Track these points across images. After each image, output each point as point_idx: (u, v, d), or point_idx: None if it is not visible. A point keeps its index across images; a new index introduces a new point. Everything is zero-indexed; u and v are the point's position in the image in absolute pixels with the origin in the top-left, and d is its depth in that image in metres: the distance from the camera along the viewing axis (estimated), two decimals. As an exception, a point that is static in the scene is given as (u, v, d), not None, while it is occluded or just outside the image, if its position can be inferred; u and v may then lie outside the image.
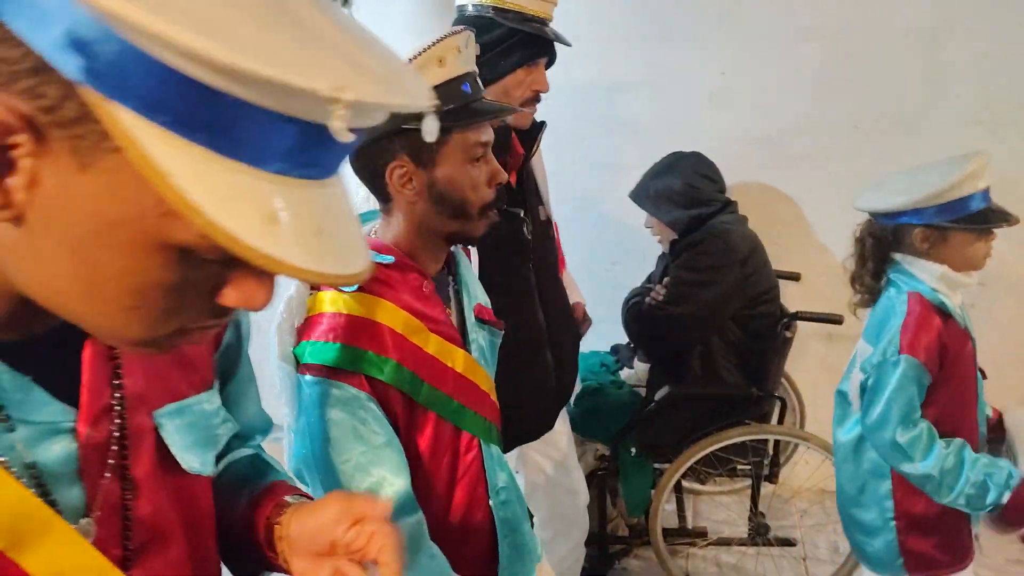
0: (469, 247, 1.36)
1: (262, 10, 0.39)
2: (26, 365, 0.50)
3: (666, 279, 2.28)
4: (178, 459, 0.62)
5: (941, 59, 2.39)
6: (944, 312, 1.54)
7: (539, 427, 1.84)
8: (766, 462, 2.33)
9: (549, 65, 1.70)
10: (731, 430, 2.18)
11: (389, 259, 1.05)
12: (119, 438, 0.56)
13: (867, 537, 1.67)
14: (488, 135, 1.06)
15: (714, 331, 2.23)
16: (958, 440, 1.53)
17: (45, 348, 0.52)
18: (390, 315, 1.02)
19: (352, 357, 0.99)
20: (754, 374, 2.23)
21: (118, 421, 0.56)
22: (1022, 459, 1.59)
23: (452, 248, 1.16)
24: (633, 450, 2.26)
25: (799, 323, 2.37)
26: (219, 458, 0.73)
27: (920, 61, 2.41)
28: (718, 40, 2.52)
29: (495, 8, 1.61)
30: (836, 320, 2.26)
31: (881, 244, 1.62)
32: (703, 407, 2.25)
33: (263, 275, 0.46)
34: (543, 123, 1.75)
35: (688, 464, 2.21)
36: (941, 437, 1.52)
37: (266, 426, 0.85)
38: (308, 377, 1.00)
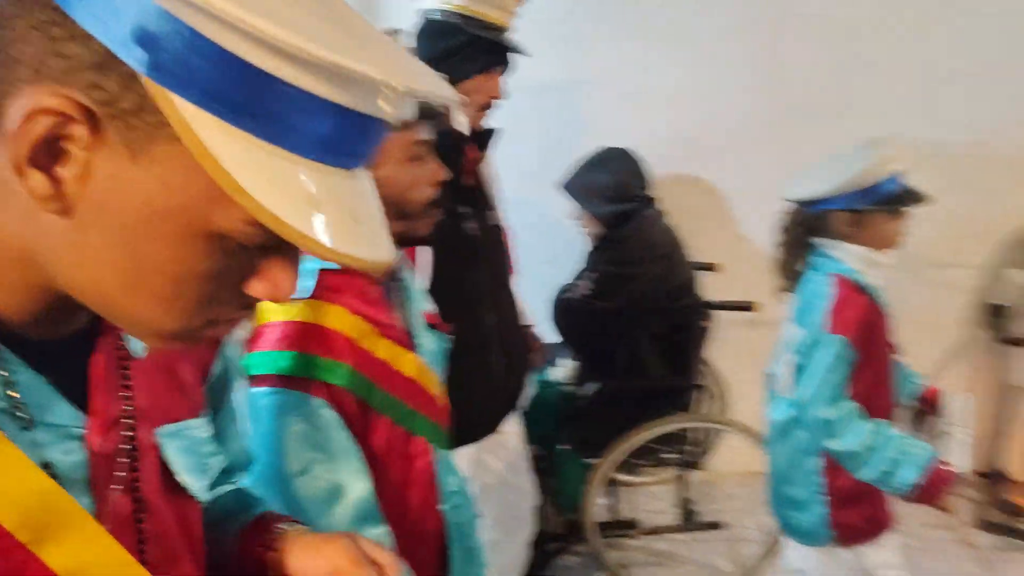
0: (415, 252, 1.36)
1: (314, 5, 0.42)
2: (44, 366, 0.50)
3: (590, 274, 2.31)
4: (180, 479, 0.61)
5: (851, 51, 2.47)
6: (866, 291, 1.60)
7: (486, 429, 1.84)
8: (694, 450, 2.38)
9: (505, 71, 1.73)
10: (658, 421, 2.21)
11: (336, 265, 1.03)
12: (129, 451, 0.55)
13: (797, 512, 1.73)
14: (427, 134, 1.07)
15: (638, 324, 2.26)
16: (882, 420, 1.59)
17: (62, 351, 0.52)
18: (341, 320, 1.01)
19: (305, 364, 0.97)
20: (677, 365, 2.27)
21: (128, 434, 0.55)
22: (952, 445, 1.65)
23: (398, 252, 1.15)
24: (561, 448, 2.27)
25: (721, 312, 2.44)
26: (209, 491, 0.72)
27: (830, 54, 2.49)
28: (636, 40, 2.54)
29: (460, 15, 1.64)
30: (746, 307, 2.32)
31: (807, 231, 1.67)
32: (630, 400, 2.28)
33: (289, 264, 0.49)
34: (494, 130, 1.77)
35: (619, 457, 2.23)
36: (863, 410, 1.57)
37: (247, 464, 0.84)
38: (260, 389, 0.96)
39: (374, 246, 0.47)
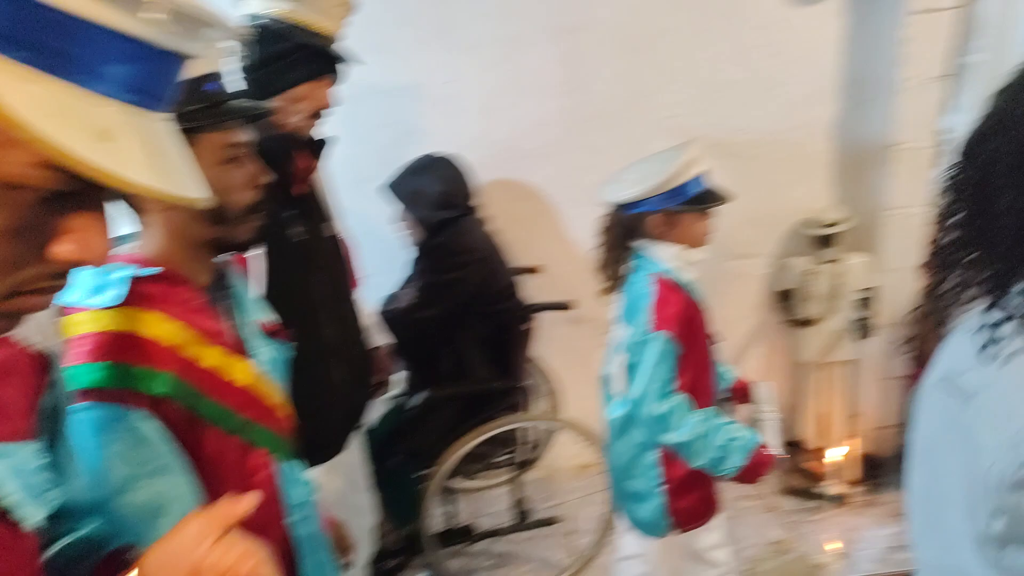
0: (245, 258, 1.31)
1: None
2: None
3: (415, 283, 2.29)
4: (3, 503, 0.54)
5: (647, 58, 2.63)
6: (683, 287, 1.69)
7: (333, 445, 1.80)
8: (525, 450, 2.43)
9: (334, 82, 1.69)
10: (487, 425, 2.23)
11: (156, 271, 0.98)
12: None
13: (638, 504, 1.80)
14: (242, 136, 1.03)
15: (462, 329, 2.27)
16: (709, 409, 1.69)
17: None
18: (158, 327, 0.95)
19: (123, 374, 0.91)
20: (503, 367, 2.30)
21: None
22: (766, 428, 1.79)
23: (223, 259, 1.10)
24: (391, 462, 2.22)
25: (551, 312, 2.52)
26: (52, 540, 0.69)
27: (630, 60, 2.63)
28: (439, 49, 2.56)
29: (284, 21, 1.59)
30: (564, 307, 2.41)
31: (625, 233, 1.73)
32: (459, 406, 2.28)
33: (95, 221, 0.45)
34: (327, 139, 1.71)
35: (452, 465, 2.22)
36: (691, 401, 1.66)
37: (97, 508, 0.77)
38: (76, 405, 0.87)
39: (179, 182, 0.45)
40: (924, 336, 2.84)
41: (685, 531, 1.80)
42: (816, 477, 2.86)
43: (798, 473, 2.91)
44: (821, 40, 2.64)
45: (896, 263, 2.71)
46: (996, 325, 0.74)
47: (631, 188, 1.66)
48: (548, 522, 2.52)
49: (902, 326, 2.80)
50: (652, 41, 2.61)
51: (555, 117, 2.66)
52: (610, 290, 1.79)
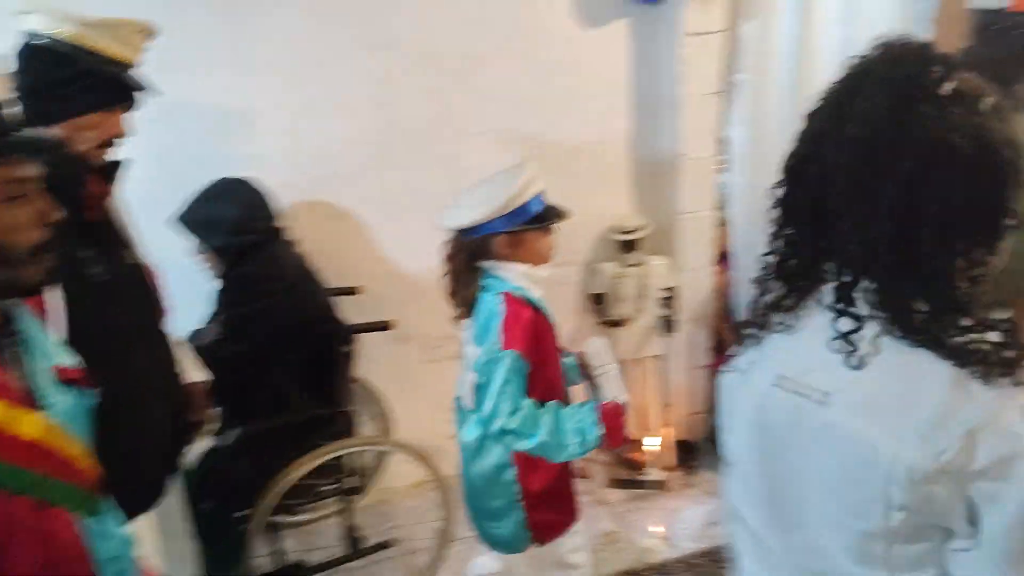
0: (42, 300, 1.20)
1: None
2: None
3: (221, 316, 2.16)
4: None
5: (457, 79, 2.67)
6: (531, 304, 1.71)
7: (153, 492, 1.68)
8: (352, 478, 2.37)
9: (129, 109, 1.57)
10: (311, 455, 2.15)
11: None
12: None
13: (497, 523, 1.80)
14: (27, 171, 0.94)
15: (277, 359, 2.18)
16: (551, 403, 1.71)
17: None
18: None
19: None
20: (325, 394, 2.24)
21: None
22: (606, 383, 1.81)
23: (11, 303, 1.00)
24: (206, 506, 2.08)
25: (374, 332, 2.47)
26: None
27: (436, 80, 2.66)
28: (236, 67, 2.44)
29: (72, 45, 1.44)
30: (386, 326, 2.38)
31: (471, 256, 1.73)
32: (279, 439, 2.18)
33: None
34: (121, 162, 1.59)
35: (273, 501, 2.12)
36: (538, 404, 1.68)
37: None
38: None
39: None
40: (719, 329, 3.13)
41: (545, 544, 1.83)
42: (638, 467, 3.04)
43: (622, 464, 3.08)
44: (612, 59, 2.83)
45: (692, 263, 2.97)
46: (851, 331, 0.78)
47: (473, 212, 1.67)
48: (384, 546, 2.48)
49: (701, 321, 3.06)
50: (458, 60, 2.66)
51: (365, 136, 2.63)
52: (462, 316, 1.79)
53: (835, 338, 0.79)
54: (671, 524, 2.79)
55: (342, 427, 2.31)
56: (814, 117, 0.81)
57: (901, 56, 0.76)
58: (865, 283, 0.77)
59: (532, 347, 1.67)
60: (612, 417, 1.70)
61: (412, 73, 2.63)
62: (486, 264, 1.74)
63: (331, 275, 2.42)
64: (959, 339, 0.73)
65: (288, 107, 2.53)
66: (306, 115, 2.55)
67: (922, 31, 2.42)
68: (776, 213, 0.87)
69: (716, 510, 2.81)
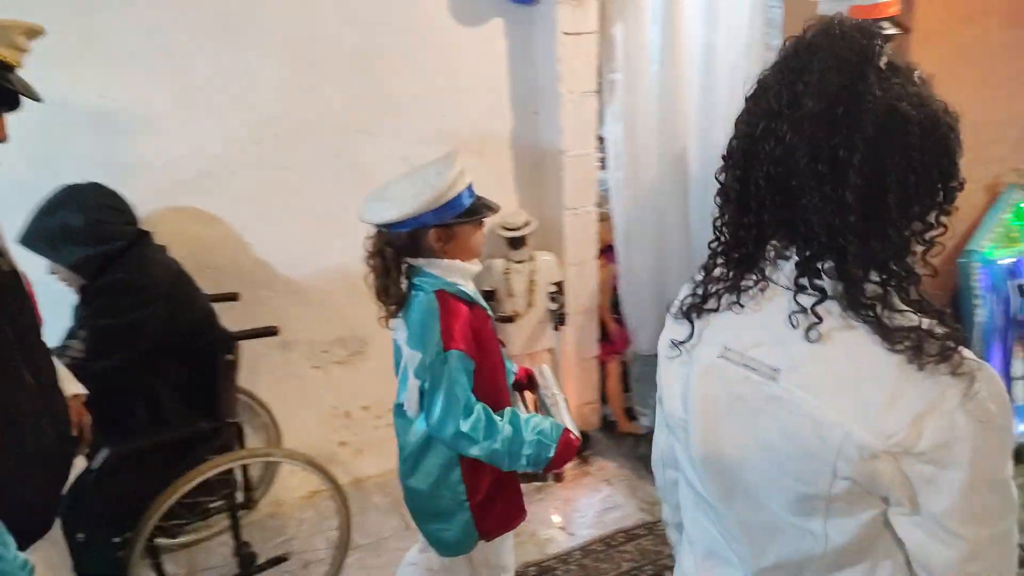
0: None
1: None
2: None
3: (83, 332, 2.00)
4: None
5: (333, 76, 2.61)
6: (467, 300, 1.66)
7: (44, 516, 1.58)
8: (238, 492, 2.27)
9: (9, 111, 1.50)
10: (195, 471, 2.04)
11: None
12: None
13: (445, 524, 1.75)
14: None
15: (152, 374, 2.05)
16: (508, 410, 1.67)
17: None
18: None
19: None
20: (207, 406, 2.13)
21: None
22: (561, 412, 1.83)
23: None
24: (80, 536, 1.93)
25: (258, 339, 2.37)
26: None
27: (311, 77, 2.59)
28: (86, 62, 2.28)
29: None
30: (271, 332, 2.30)
31: (399, 252, 1.64)
32: (157, 458, 2.05)
33: None
34: None
35: (154, 523, 1.99)
36: (488, 409, 1.63)
37: None
38: None
39: None
40: (606, 320, 3.23)
41: (491, 540, 1.81)
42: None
43: (520, 459, 3.11)
44: (492, 58, 2.87)
45: (578, 258, 3.05)
46: (813, 304, 0.79)
47: (401, 206, 1.58)
48: (278, 560, 2.38)
49: (589, 313, 3.15)
50: (336, 58, 2.60)
51: (237, 134, 2.52)
52: (392, 315, 1.69)
53: (795, 312, 0.81)
54: (569, 514, 2.85)
55: (227, 440, 2.20)
56: (759, 98, 0.82)
57: (845, 33, 0.78)
58: (827, 257, 0.79)
59: (472, 344, 1.64)
60: (567, 448, 1.69)
61: (288, 71, 2.55)
62: (416, 261, 1.67)
63: (208, 281, 2.31)
64: (901, 323, 0.76)
65: (152, 105, 2.39)
66: (173, 114, 2.42)
67: (775, 35, 2.61)
68: (724, 196, 0.87)
69: (611, 496, 2.90)
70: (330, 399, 2.92)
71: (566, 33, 2.72)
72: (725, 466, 0.90)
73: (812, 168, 0.76)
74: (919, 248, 0.79)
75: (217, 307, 2.27)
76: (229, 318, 2.29)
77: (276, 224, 2.64)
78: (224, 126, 2.49)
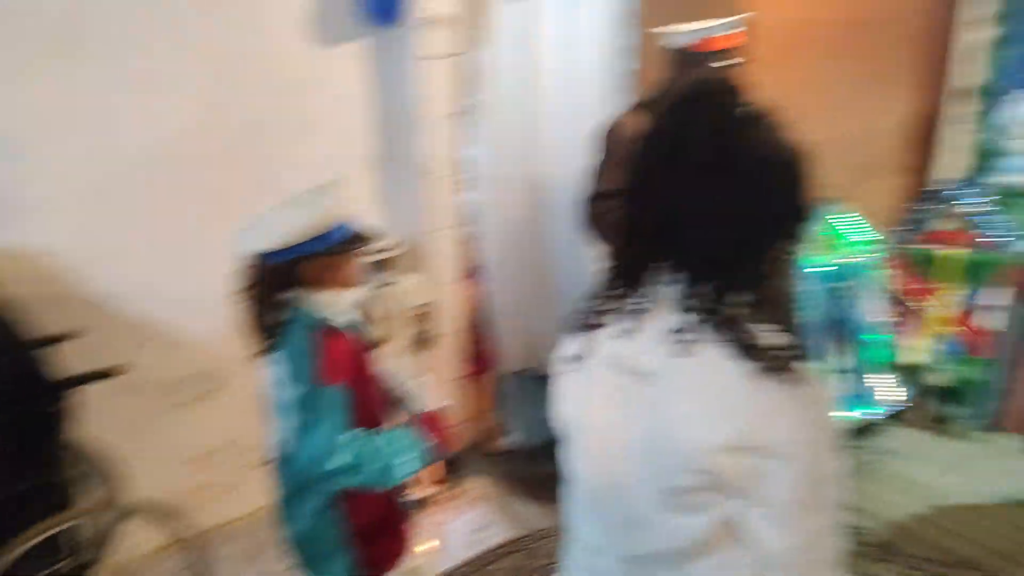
0: None
1: None
2: None
3: None
4: None
5: (178, 104, 2.44)
6: (345, 332, 1.62)
7: None
8: (84, 551, 2.06)
9: None
10: (19, 538, 1.82)
11: None
12: None
13: (327, 564, 1.69)
14: None
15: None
16: (356, 432, 1.59)
17: None
18: None
19: None
20: (32, 463, 1.91)
21: None
22: (409, 401, 1.81)
23: None
24: None
25: (95, 383, 2.15)
26: None
27: (164, 103, 2.41)
28: None
29: None
30: (105, 375, 2.11)
31: (275, 283, 1.58)
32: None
33: None
34: None
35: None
36: (357, 435, 1.58)
37: None
38: None
39: None
40: (474, 340, 3.25)
41: None
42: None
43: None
44: (351, 80, 2.80)
45: (443, 279, 3.04)
46: (685, 324, 0.91)
47: (277, 235, 1.53)
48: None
49: (456, 334, 3.15)
50: (188, 80, 2.44)
51: (64, 166, 2.29)
52: (268, 349, 1.62)
53: (673, 329, 0.92)
54: (443, 536, 2.83)
55: (58, 499, 1.98)
56: (649, 148, 0.95)
57: (714, 91, 0.93)
58: (701, 282, 0.92)
59: (352, 377, 1.61)
60: (433, 424, 1.72)
61: (125, 94, 2.35)
62: (292, 292, 1.61)
63: (34, 323, 2.07)
64: (753, 341, 0.89)
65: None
66: (14, 136, 2.16)
67: (628, 62, 2.74)
68: (618, 228, 1.00)
69: (482, 515, 2.92)
70: (184, 442, 2.73)
71: (425, 57, 2.71)
72: (607, 464, 1.01)
73: (695, 209, 0.90)
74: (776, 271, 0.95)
75: (44, 351, 2.05)
76: (64, 361, 2.07)
77: (114, 259, 2.43)
78: (41, 155, 2.25)
